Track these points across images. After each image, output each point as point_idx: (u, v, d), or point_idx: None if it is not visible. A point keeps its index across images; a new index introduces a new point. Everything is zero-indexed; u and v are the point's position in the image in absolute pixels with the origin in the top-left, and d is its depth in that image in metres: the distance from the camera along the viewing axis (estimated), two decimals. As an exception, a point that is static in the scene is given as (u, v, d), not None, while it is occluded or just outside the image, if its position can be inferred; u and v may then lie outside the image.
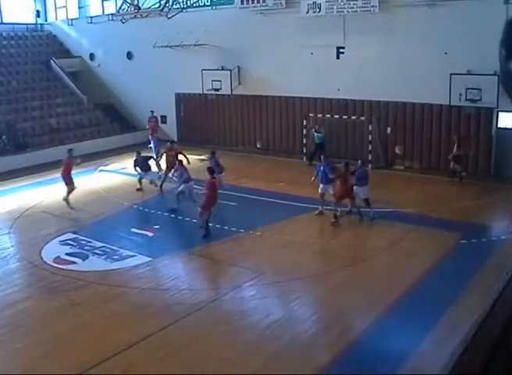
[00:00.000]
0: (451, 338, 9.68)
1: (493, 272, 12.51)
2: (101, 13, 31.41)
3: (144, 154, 20.61)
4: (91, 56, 32.32)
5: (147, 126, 26.76)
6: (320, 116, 23.81)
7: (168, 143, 21.57)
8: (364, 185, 16.27)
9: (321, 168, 16.67)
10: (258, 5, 24.62)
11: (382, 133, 22.64)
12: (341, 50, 23.09)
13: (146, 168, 20.14)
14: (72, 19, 32.96)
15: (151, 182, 20.28)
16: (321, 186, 16.58)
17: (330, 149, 23.38)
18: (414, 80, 21.28)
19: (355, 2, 21.83)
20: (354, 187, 16.16)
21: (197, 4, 26.78)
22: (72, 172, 18.32)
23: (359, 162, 17.03)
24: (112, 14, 30.14)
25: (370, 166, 20.92)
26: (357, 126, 23.18)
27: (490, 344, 9.37)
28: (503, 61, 3.46)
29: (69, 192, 18.11)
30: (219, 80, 26.29)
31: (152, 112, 26.89)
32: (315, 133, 23.31)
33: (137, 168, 20.01)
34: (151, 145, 25.09)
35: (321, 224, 16.46)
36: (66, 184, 18.11)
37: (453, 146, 20.17)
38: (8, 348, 10.11)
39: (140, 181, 20.05)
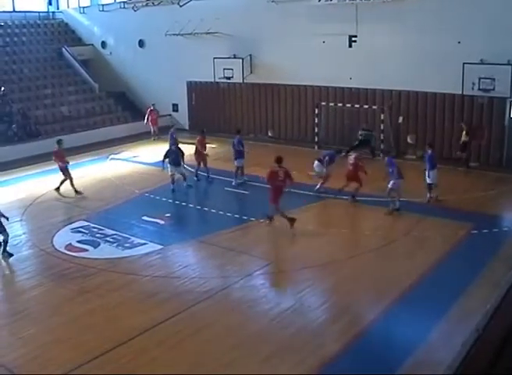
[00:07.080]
0: (462, 328, 9.67)
1: (504, 262, 12.49)
2: (112, 1, 31.37)
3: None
4: (103, 44, 32.35)
5: (146, 121, 26.93)
6: (332, 104, 23.69)
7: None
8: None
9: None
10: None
11: (394, 123, 22.52)
12: (353, 38, 22.94)
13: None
14: (83, 7, 32.98)
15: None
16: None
17: (343, 138, 23.30)
18: (426, 69, 21.08)
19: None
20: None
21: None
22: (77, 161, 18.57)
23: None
24: (123, 2, 30.11)
25: (382, 155, 20.83)
26: (369, 115, 23.06)
27: (501, 335, 9.37)
28: None
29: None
30: (231, 69, 26.17)
31: (153, 105, 27.07)
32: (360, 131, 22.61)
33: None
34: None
35: (331, 214, 16.43)
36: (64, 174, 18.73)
37: (462, 133, 20.28)
38: (20, 335, 10.20)
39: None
